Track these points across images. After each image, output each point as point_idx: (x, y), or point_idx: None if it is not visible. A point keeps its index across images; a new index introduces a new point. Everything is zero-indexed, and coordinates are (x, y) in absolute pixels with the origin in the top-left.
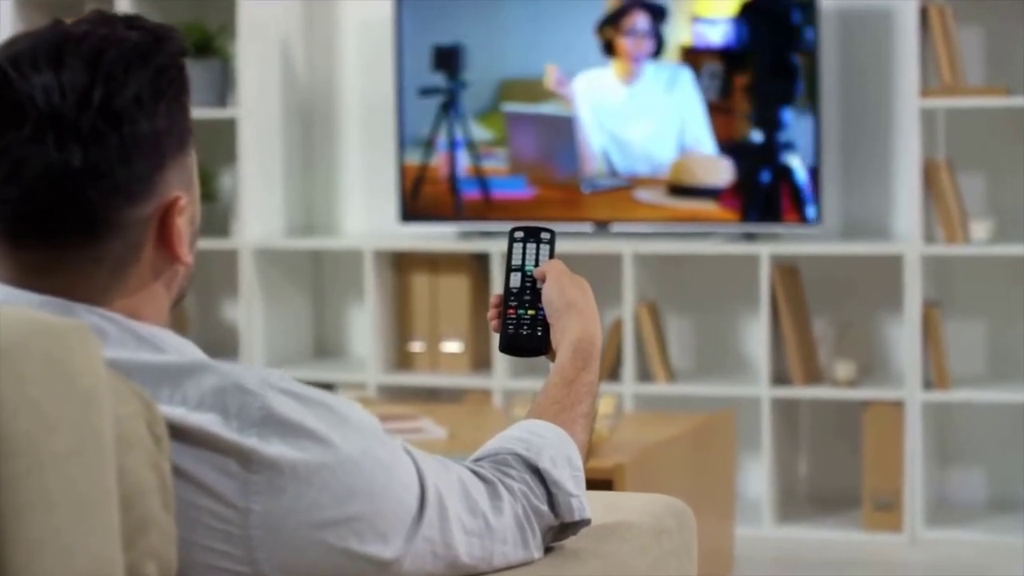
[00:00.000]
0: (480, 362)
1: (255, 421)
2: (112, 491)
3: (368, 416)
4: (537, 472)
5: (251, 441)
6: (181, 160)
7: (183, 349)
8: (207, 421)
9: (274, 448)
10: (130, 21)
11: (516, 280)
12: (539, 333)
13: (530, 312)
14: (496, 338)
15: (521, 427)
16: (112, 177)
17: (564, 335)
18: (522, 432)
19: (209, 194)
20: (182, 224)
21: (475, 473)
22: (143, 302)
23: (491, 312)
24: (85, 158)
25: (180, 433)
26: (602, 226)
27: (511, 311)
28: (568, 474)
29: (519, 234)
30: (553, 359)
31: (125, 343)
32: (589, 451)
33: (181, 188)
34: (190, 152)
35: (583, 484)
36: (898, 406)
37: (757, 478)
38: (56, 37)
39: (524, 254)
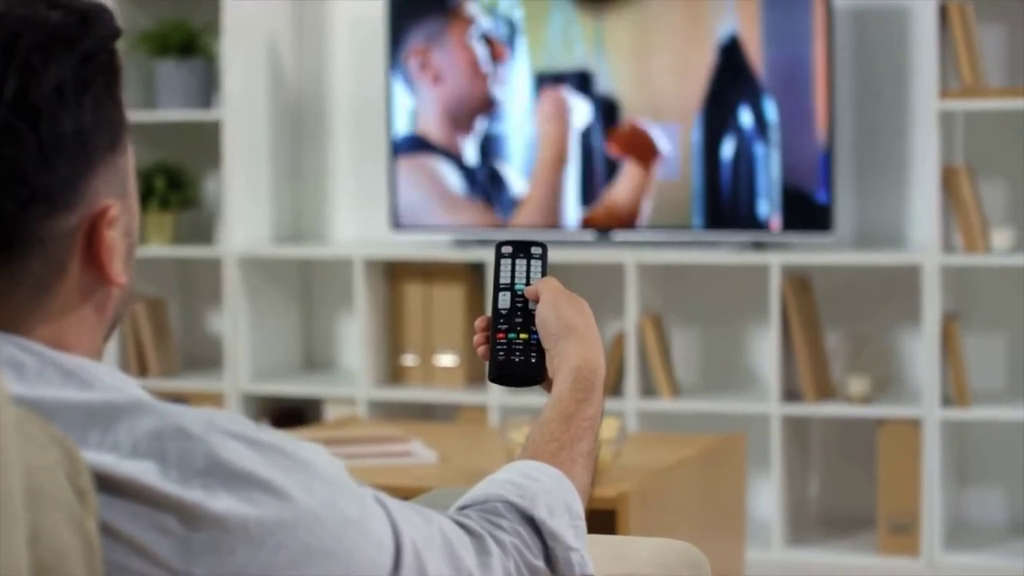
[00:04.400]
0: (475, 377)
1: (199, 471)
2: (19, 558)
3: (333, 463)
4: (532, 522)
5: (194, 494)
6: (112, 162)
7: (116, 384)
8: (142, 470)
9: (221, 502)
10: (54, 0)
11: (506, 300)
12: (533, 359)
13: (522, 336)
14: (486, 365)
15: (513, 469)
16: (29, 183)
17: (562, 362)
18: (514, 475)
19: (193, 199)
20: (114, 237)
21: (460, 525)
22: (69, 329)
23: (477, 337)
24: None
25: (110, 485)
26: (604, 234)
27: (501, 335)
28: (567, 524)
29: (507, 249)
30: (549, 389)
31: (47, 378)
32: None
33: (113, 195)
34: (124, 152)
35: (584, 535)
36: (915, 424)
37: (766, 499)
38: None
39: (514, 271)
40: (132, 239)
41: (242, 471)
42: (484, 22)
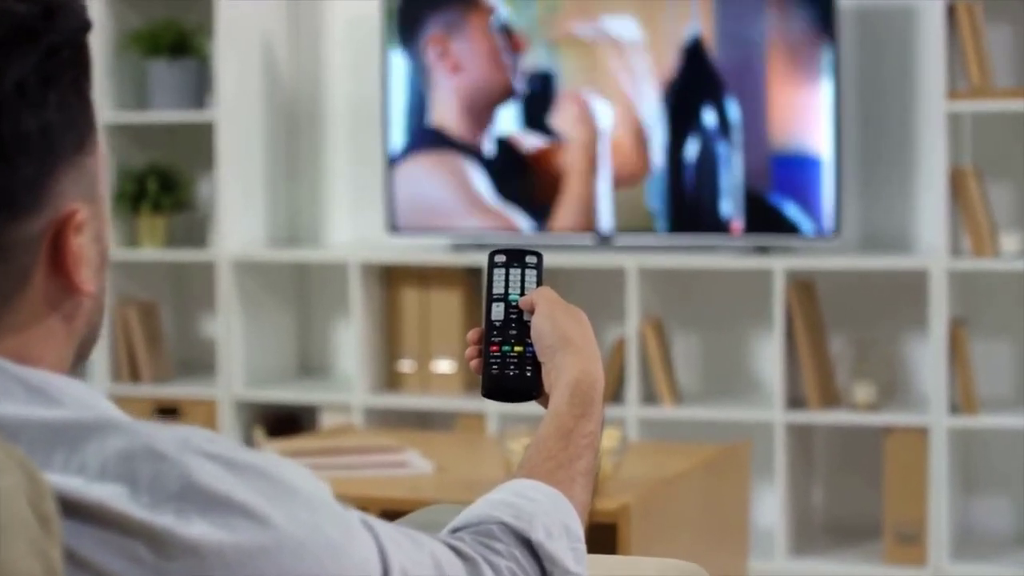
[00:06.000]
0: (473, 383)
1: (171, 494)
2: None
3: (317, 484)
4: (528, 545)
5: (166, 520)
6: (79, 163)
7: (86, 401)
8: (110, 494)
9: (195, 528)
10: None
11: (499, 312)
12: (528, 373)
13: (517, 349)
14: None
15: (509, 489)
16: None
17: (559, 376)
18: (510, 495)
19: (186, 202)
20: (82, 244)
21: (453, 548)
22: (35, 341)
23: (470, 350)
24: None
25: (76, 510)
26: (605, 238)
27: (494, 348)
28: (566, 546)
29: (500, 258)
30: (546, 404)
31: (11, 394)
32: (593, 503)
33: (80, 198)
34: (93, 153)
35: (584, 558)
36: (922, 432)
37: (770, 508)
38: None
39: (507, 281)
40: (102, 245)
41: (218, 494)
42: (503, 12)
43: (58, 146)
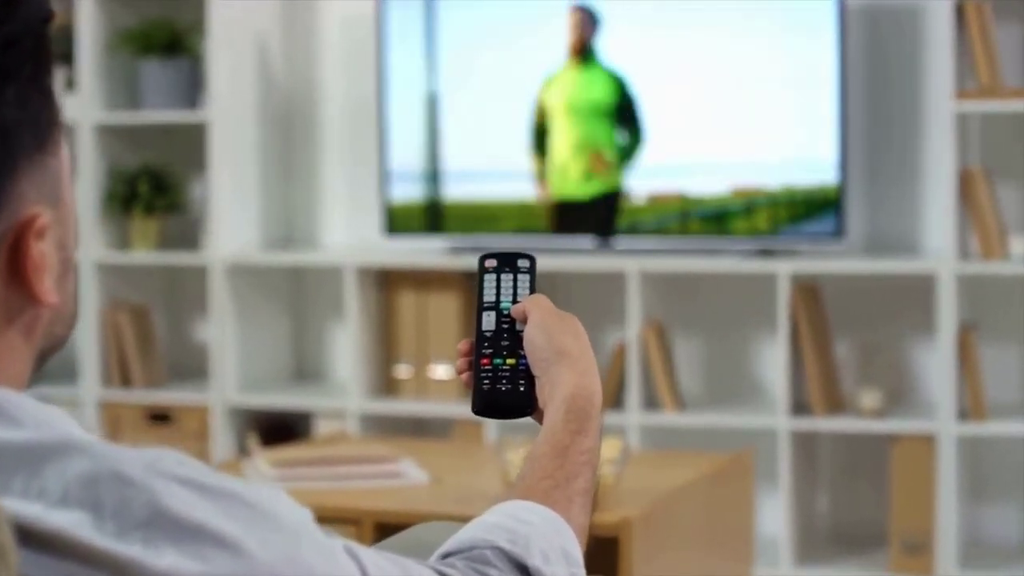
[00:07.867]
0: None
1: (139, 522)
2: None
3: (297, 510)
4: (525, 570)
5: (133, 550)
6: (41, 163)
7: (47, 421)
8: (72, 522)
9: (165, 559)
10: None
11: (490, 321)
12: (522, 388)
13: (509, 361)
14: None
15: (503, 511)
16: None
17: (554, 389)
18: (504, 518)
19: (178, 204)
20: (43, 250)
21: None
22: None
23: (460, 363)
24: None
25: (36, 539)
26: (604, 240)
27: (485, 361)
28: (564, 572)
29: (491, 263)
30: (541, 420)
31: None
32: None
33: (42, 201)
34: (55, 153)
35: None
36: (929, 439)
37: (774, 516)
38: None
39: (499, 288)
40: (66, 253)
41: (190, 522)
42: None
43: (16, 144)
